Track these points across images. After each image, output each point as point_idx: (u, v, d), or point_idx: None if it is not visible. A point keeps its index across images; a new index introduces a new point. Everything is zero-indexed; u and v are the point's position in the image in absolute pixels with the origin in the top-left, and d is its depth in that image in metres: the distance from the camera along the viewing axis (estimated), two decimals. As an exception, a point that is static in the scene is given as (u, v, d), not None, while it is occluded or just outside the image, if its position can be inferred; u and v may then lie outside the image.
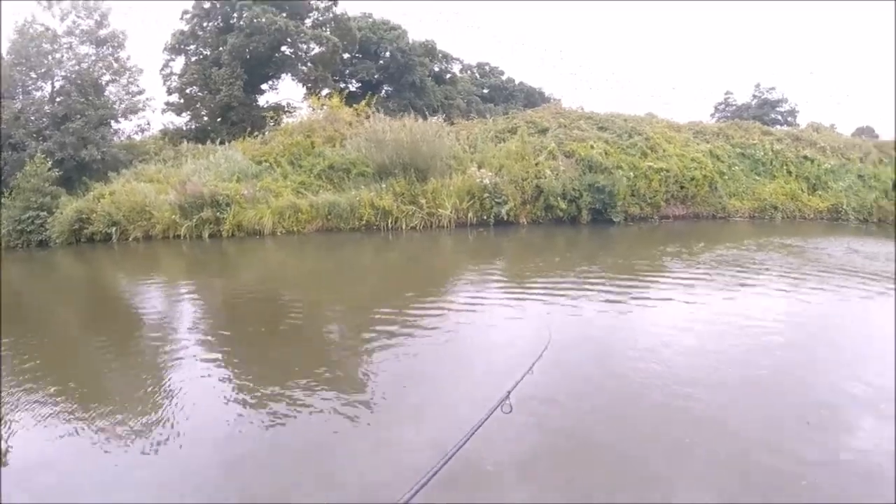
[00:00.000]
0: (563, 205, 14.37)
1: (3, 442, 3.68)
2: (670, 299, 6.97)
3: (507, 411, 2.31)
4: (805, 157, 18.22)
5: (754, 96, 39.53)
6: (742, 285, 7.67)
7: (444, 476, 1.81)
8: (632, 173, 15.44)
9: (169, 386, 4.60)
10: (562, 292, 7.36)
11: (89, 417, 4.03)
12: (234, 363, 5.18)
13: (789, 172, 17.74)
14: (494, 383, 3.91)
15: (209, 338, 6.12)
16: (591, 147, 15.77)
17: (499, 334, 5.67)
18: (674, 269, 8.97)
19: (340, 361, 5.10)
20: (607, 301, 6.86)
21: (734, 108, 39.35)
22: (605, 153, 15.76)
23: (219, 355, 5.37)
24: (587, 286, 7.76)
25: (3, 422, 3.98)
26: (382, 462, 3.34)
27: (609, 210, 14.56)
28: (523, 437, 3.44)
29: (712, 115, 39.17)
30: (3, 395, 4.52)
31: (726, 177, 17.05)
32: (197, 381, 4.65)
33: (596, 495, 2.96)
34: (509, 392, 2.38)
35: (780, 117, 37.26)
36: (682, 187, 16.10)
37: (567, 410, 3.85)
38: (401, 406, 4.08)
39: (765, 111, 36.91)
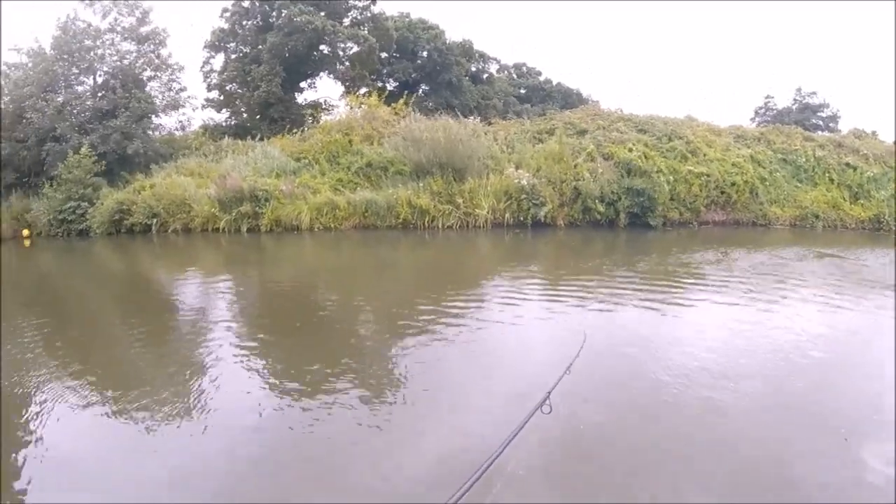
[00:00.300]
0: (601, 208, 14.21)
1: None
2: (705, 306, 6.83)
3: (547, 412, 2.27)
4: (847, 165, 17.68)
5: (795, 100, 38.53)
6: (780, 297, 7.31)
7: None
8: (671, 177, 15.18)
9: (199, 377, 4.66)
10: (597, 295, 7.26)
11: (121, 404, 4.09)
12: (265, 358, 5.18)
13: (831, 180, 17.24)
14: (530, 383, 3.89)
15: (242, 331, 6.17)
16: (631, 150, 15.55)
17: (533, 334, 5.64)
18: (711, 277, 8.74)
19: (373, 359, 5.06)
20: (643, 307, 6.70)
21: (774, 112, 38.41)
22: (645, 156, 15.53)
23: (250, 349, 5.41)
24: (623, 290, 7.62)
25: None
26: (414, 462, 3.26)
27: (648, 214, 14.34)
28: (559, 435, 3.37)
29: (752, 119, 38.38)
30: (37, 380, 4.66)
31: (767, 183, 16.64)
32: (227, 373, 4.68)
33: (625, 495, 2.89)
34: (549, 392, 2.33)
35: (821, 122, 36.28)
36: (722, 192, 15.78)
37: (600, 410, 3.78)
38: (433, 405, 4.02)
39: (806, 116, 35.97)
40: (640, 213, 14.37)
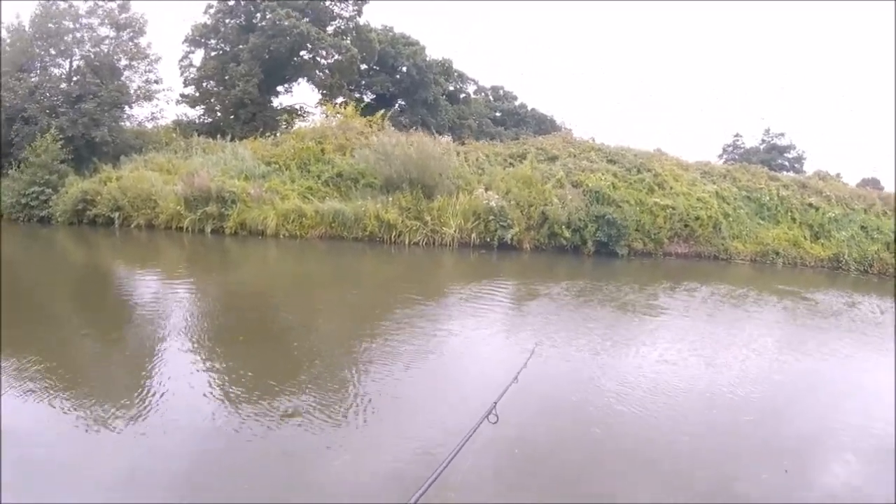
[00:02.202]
0: (567, 233, 14.40)
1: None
2: (658, 332, 7.02)
3: (494, 421, 2.36)
4: (810, 205, 18.24)
5: (763, 140, 39.78)
6: (734, 329, 7.71)
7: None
8: (638, 208, 15.49)
9: (150, 377, 4.67)
10: (552, 316, 7.45)
11: (69, 399, 4.11)
12: (216, 361, 5.20)
13: (793, 219, 17.76)
14: (480, 394, 4.07)
15: (196, 333, 6.13)
16: (600, 179, 15.82)
17: (484, 349, 5.85)
18: (671, 307, 9.01)
19: (326, 367, 5.14)
20: (597, 330, 6.91)
21: (742, 150, 39.57)
22: (613, 186, 15.82)
23: (203, 352, 5.41)
24: (579, 311, 7.87)
25: None
26: (364, 470, 3.39)
27: (614, 243, 14.60)
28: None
29: (720, 156, 39.46)
30: None
31: (731, 218, 17.06)
32: (178, 375, 4.68)
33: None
34: (496, 403, 2.43)
35: (787, 163, 37.46)
36: (686, 225, 16.12)
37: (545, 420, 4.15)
38: (384, 415, 4.14)
39: (772, 156, 37.09)
40: (608, 241, 14.61)
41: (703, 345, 6.56)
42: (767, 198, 18.13)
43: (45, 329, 6.18)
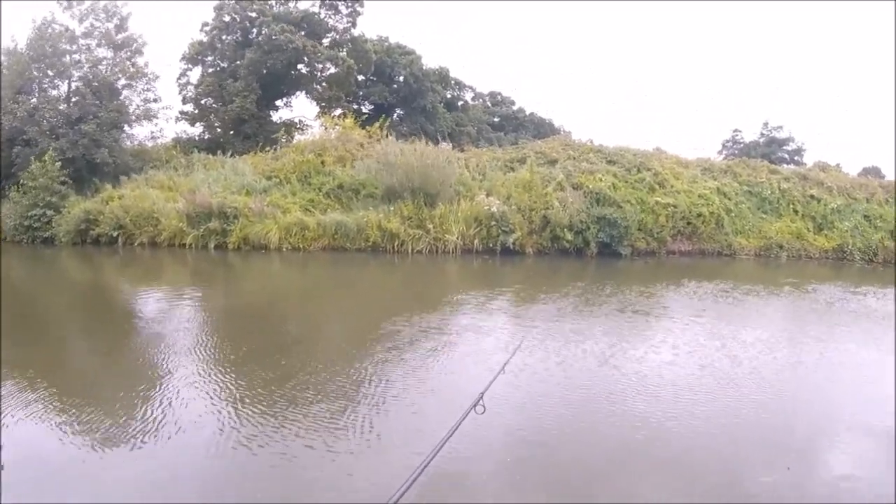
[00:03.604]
0: (569, 236, 14.41)
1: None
2: (660, 331, 6.96)
3: (481, 412, 2.38)
4: (812, 197, 18.25)
5: (762, 134, 39.79)
6: (734, 323, 7.69)
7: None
8: (639, 208, 15.49)
9: (157, 392, 4.72)
10: (556, 322, 7.42)
11: (77, 416, 4.17)
12: (222, 374, 5.21)
13: (796, 211, 17.77)
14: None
15: (200, 347, 6.19)
16: (600, 180, 15.83)
17: (487, 353, 5.88)
18: (675, 306, 8.99)
19: (328, 376, 5.19)
20: (597, 328, 6.96)
21: (742, 145, 39.58)
22: (614, 187, 15.85)
23: (208, 366, 5.45)
24: (585, 317, 7.86)
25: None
26: (365, 468, 3.46)
27: (617, 243, 14.60)
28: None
29: (720, 152, 39.39)
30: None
31: (733, 214, 17.07)
32: (185, 388, 4.75)
33: None
34: (482, 393, 2.45)
35: (786, 156, 37.45)
36: (688, 223, 16.13)
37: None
38: (385, 420, 4.20)
39: (772, 150, 37.09)
40: (610, 242, 14.61)
41: (709, 344, 6.49)
42: (769, 191, 18.13)
43: (51, 348, 6.27)
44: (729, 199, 17.42)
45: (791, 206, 17.88)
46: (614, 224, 14.56)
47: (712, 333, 6.98)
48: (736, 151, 37.06)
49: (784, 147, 38.69)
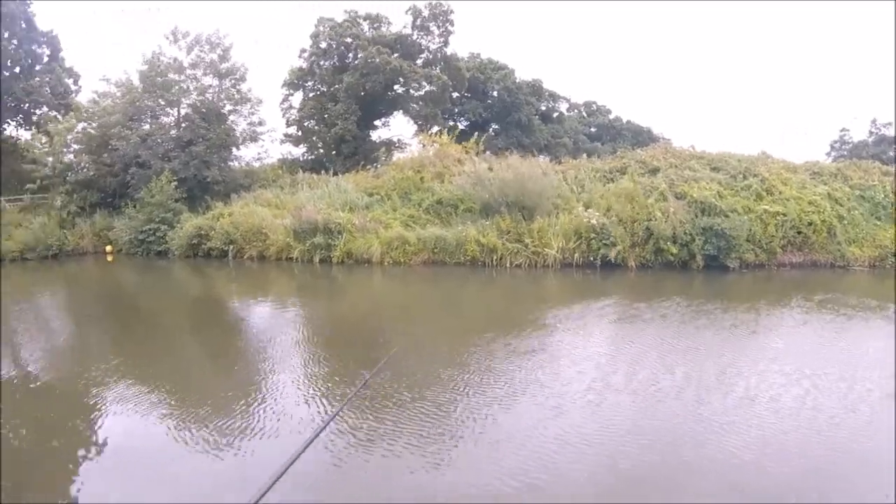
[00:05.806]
0: (673, 249, 13.88)
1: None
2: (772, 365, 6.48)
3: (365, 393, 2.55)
4: (929, 200, 16.67)
5: (871, 132, 36.93)
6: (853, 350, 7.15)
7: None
8: (747, 217, 14.72)
9: (255, 394, 5.44)
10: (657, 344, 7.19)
11: (181, 416, 4.93)
12: (320, 382, 5.80)
13: (913, 216, 16.28)
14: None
15: (299, 356, 6.80)
16: (705, 188, 15.18)
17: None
18: (790, 328, 8.52)
19: (427, 385, 5.54)
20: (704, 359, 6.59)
21: (851, 145, 36.93)
22: (719, 195, 15.11)
23: (306, 371, 6.13)
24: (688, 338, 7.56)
25: None
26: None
27: (725, 256, 13.95)
28: None
29: (828, 154, 37.03)
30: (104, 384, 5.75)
31: (845, 221, 15.75)
32: (280, 392, 5.43)
33: None
34: (367, 379, 2.64)
35: (899, 155, 34.57)
36: (799, 232, 15.06)
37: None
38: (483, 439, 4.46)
39: (882, 149, 34.16)
40: (717, 254, 13.97)
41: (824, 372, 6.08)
42: (882, 195, 16.63)
43: (168, 352, 7.18)
44: (840, 205, 16.08)
45: (907, 210, 16.39)
46: (722, 235, 13.87)
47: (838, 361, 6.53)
48: (845, 153, 34.61)
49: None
